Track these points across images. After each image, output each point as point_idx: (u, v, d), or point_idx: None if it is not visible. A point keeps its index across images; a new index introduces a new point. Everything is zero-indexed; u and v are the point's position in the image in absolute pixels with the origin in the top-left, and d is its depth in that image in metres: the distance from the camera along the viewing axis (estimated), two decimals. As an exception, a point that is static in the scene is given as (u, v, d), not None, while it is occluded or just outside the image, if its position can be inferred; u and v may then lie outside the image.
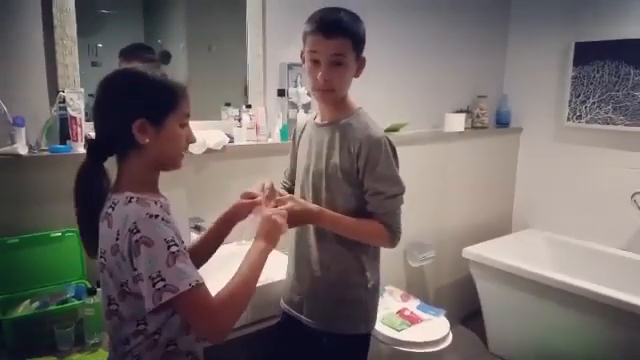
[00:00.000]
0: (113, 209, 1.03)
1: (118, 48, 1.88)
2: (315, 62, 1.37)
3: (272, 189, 1.38)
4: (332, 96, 1.42)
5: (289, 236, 1.57)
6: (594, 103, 3.01)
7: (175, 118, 1.07)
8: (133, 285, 1.00)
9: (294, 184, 1.59)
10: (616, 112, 2.92)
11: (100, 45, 1.76)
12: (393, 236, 1.45)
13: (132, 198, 1.02)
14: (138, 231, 0.97)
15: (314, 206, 1.41)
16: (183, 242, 1.07)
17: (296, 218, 1.36)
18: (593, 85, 3.00)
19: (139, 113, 1.03)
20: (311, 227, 1.48)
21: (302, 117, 2.10)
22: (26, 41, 1.59)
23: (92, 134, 1.12)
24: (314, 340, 1.48)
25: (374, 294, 1.53)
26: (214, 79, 2.19)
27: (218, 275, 1.31)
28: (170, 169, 1.13)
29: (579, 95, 3.06)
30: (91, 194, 1.08)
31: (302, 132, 1.58)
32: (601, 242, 3.04)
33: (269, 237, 1.20)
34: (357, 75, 1.43)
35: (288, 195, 1.45)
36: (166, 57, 2.07)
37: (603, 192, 3.05)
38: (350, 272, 1.47)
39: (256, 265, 1.14)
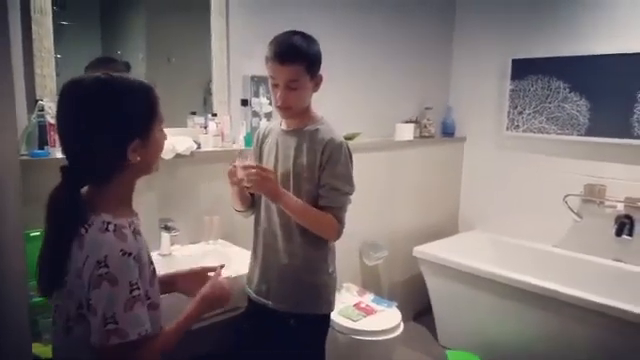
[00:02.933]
0: (87, 231, 0.98)
1: (77, 59, 1.92)
2: (275, 85, 1.57)
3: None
4: (290, 113, 1.61)
5: (255, 228, 1.74)
6: (529, 114, 3.27)
7: (157, 125, 1.07)
8: (87, 312, 0.98)
9: None
10: (549, 122, 3.19)
11: (59, 56, 1.80)
12: (340, 230, 1.64)
13: (109, 225, 0.98)
14: (106, 266, 0.94)
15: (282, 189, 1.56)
16: (152, 263, 1.10)
17: (270, 188, 1.51)
18: (528, 98, 3.26)
19: (132, 134, 1.01)
20: (277, 220, 1.64)
21: (264, 123, 2.27)
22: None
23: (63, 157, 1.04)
24: (281, 322, 1.64)
25: (333, 279, 1.72)
26: (174, 89, 2.25)
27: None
28: (150, 173, 1.12)
29: (516, 107, 3.32)
30: (66, 223, 0.99)
31: (266, 137, 1.74)
32: (537, 240, 3.29)
33: (209, 306, 1.23)
34: (315, 90, 1.63)
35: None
36: (126, 68, 2.16)
37: (539, 195, 3.30)
38: (313, 260, 1.65)
39: (183, 330, 1.15)
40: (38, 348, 1.44)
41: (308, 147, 1.61)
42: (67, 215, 0.99)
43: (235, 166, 1.55)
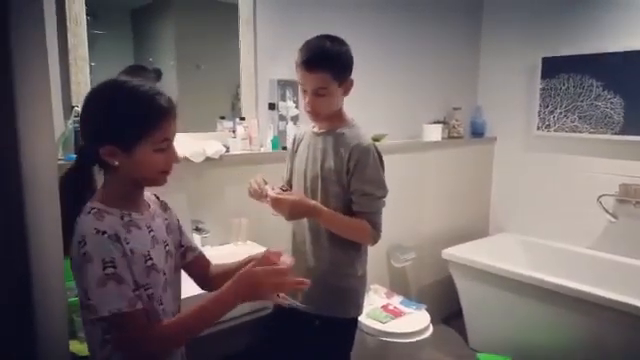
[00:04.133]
0: (79, 217, 1.02)
1: (110, 66, 1.96)
2: (304, 90, 1.59)
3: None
4: (319, 118, 1.63)
5: (286, 232, 1.75)
6: (561, 113, 3.21)
7: (147, 145, 1.03)
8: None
9: (291, 188, 1.77)
10: (581, 121, 3.13)
11: (93, 64, 1.86)
12: (376, 234, 1.62)
13: (92, 209, 1.01)
14: (85, 244, 0.97)
15: (314, 202, 1.58)
16: (151, 258, 1.06)
17: (298, 209, 1.54)
18: (560, 96, 3.20)
19: (107, 139, 1.02)
20: (306, 224, 1.66)
21: (292, 128, 2.31)
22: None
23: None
24: (307, 323, 1.65)
25: (362, 283, 1.72)
26: (203, 95, 2.31)
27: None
28: (151, 186, 1.12)
29: (547, 106, 3.27)
30: (68, 197, 0.99)
31: (301, 141, 1.76)
32: (571, 242, 3.22)
33: (244, 294, 1.05)
34: (345, 94, 1.63)
35: (294, 191, 1.63)
36: (158, 74, 2.23)
37: (571, 196, 3.23)
38: (340, 264, 1.65)
39: (210, 317, 1.04)
40: (74, 346, 1.50)
41: (335, 150, 1.61)
42: (70, 185, 1.06)
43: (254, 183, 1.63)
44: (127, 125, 1.02)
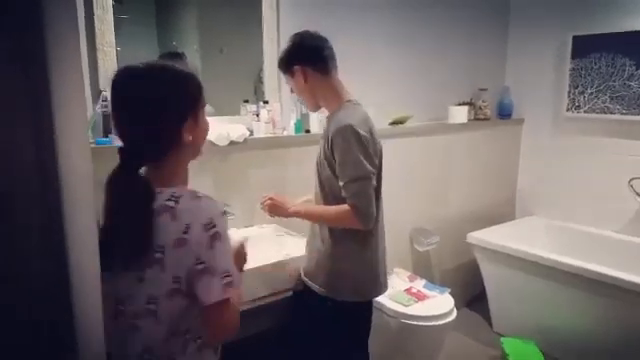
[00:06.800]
0: (177, 202, 1.01)
1: (135, 51, 2.02)
2: None
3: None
4: (316, 109, 1.77)
5: None
6: (592, 94, 3.13)
7: (202, 108, 1.12)
8: (189, 279, 1.00)
9: None
10: (613, 102, 3.05)
11: (119, 49, 1.88)
12: (362, 218, 1.54)
13: (198, 194, 1.05)
14: (214, 226, 1.00)
15: (293, 208, 1.71)
16: None
17: (278, 212, 1.75)
18: (591, 76, 3.11)
19: (186, 115, 1.06)
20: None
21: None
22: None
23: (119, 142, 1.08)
24: (322, 304, 1.69)
25: (363, 268, 1.69)
26: (226, 79, 2.31)
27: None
28: (197, 156, 1.16)
29: (577, 86, 3.19)
30: (140, 201, 1.01)
31: None
32: (600, 227, 3.16)
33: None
34: (307, 82, 1.65)
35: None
36: (183, 58, 2.24)
37: (602, 179, 3.16)
38: (338, 247, 1.67)
39: None
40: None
41: (326, 135, 1.64)
42: (140, 193, 1.02)
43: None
44: (198, 92, 1.11)
